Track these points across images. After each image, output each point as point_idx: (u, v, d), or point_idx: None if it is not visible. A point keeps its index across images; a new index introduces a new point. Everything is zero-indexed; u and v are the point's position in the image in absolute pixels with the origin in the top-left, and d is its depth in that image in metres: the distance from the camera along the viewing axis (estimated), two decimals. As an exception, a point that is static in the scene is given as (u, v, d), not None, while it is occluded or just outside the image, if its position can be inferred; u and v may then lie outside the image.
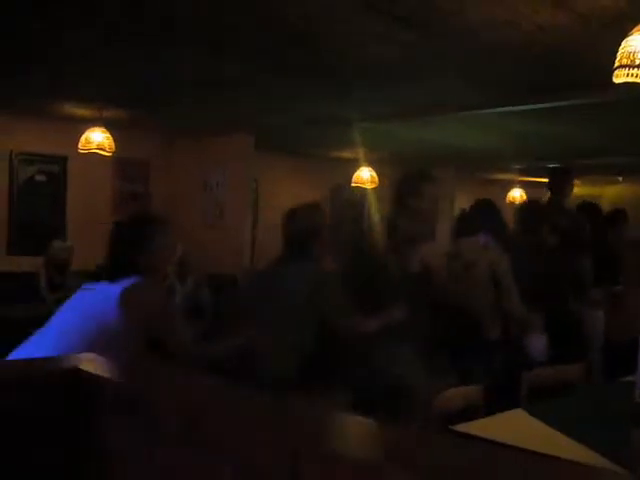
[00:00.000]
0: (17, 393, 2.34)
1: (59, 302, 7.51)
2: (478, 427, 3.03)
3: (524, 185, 12.66)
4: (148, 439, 2.05)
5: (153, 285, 3.46)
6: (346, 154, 9.98)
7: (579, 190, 13.75)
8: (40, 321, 7.03)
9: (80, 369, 2.46)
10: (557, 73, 5.56)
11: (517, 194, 12.28)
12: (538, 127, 7.99)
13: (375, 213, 7.79)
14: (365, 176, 9.32)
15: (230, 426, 1.76)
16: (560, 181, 6.28)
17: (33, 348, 3.46)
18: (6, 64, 5.96)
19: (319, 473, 1.50)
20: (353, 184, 9.38)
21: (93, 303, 3.47)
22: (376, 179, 9.30)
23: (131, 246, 3.47)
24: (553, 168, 7.04)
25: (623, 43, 3.43)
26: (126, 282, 3.30)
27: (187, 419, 1.85)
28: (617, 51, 3.43)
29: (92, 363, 2.57)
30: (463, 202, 12.46)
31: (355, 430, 1.73)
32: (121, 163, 9.14)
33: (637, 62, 3.36)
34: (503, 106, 6.69)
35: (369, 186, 9.25)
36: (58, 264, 7.94)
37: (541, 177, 13.23)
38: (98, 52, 5.47)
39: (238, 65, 5.68)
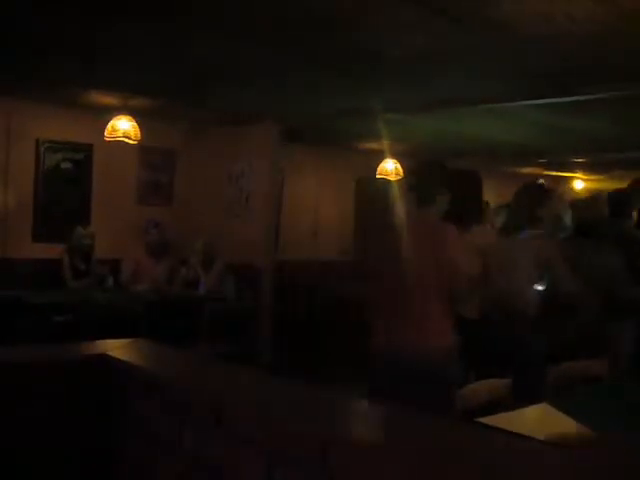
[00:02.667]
0: (49, 377, 2.36)
1: (83, 289, 7.62)
2: (503, 420, 3.02)
3: (549, 179, 12.59)
4: (178, 425, 2.06)
5: None
6: (371, 145, 9.96)
7: (605, 185, 13.71)
8: (64, 308, 7.09)
9: (109, 355, 2.48)
10: (588, 66, 5.52)
11: (542, 188, 12.21)
12: (567, 120, 7.93)
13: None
14: (390, 168, 9.30)
15: (261, 415, 1.76)
16: None
17: None
18: (33, 53, 5.98)
19: (349, 463, 1.50)
20: (378, 175, 9.37)
21: None
22: (400, 171, 9.28)
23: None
24: None
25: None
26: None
27: (218, 406, 1.85)
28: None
29: (121, 349, 2.58)
30: (487, 195, 12.43)
31: (384, 420, 1.73)
32: (146, 152, 9.16)
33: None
34: (532, 99, 6.64)
35: (393, 178, 9.23)
36: (81, 251, 8.00)
37: (566, 171, 13.18)
38: (125, 40, 5.48)
39: (267, 55, 5.68)
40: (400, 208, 4.41)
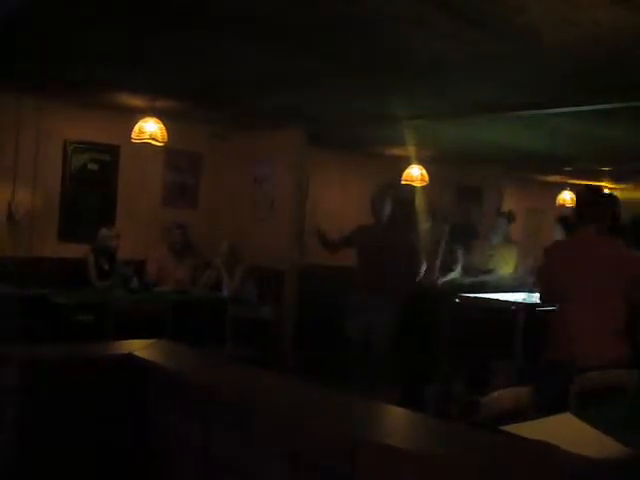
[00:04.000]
0: (74, 375, 2.38)
1: (108, 289, 7.68)
2: (527, 429, 3.00)
3: (575, 188, 12.50)
4: (202, 425, 2.06)
5: None
6: (397, 151, 9.94)
7: (632, 194, 13.62)
8: (89, 307, 7.14)
9: (134, 355, 2.50)
10: (615, 73, 5.48)
11: (567, 197, 12.14)
12: (593, 128, 7.88)
13: (424, 211, 7.80)
14: (415, 174, 9.28)
15: (285, 415, 1.76)
16: None
17: None
18: (62, 55, 6.03)
19: (378, 467, 1.50)
20: (403, 181, 9.35)
21: None
22: (426, 177, 9.27)
23: None
24: None
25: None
26: None
27: (242, 408, 1.86)
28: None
29: (146, 349, 2.60)
30: (511, 203, 12.39)
31: (413, 425, 1.73)
32: (172, 154, 9.20)
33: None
34: (559, 106, 6.60)
35: (418, 184, 9.21)
36: (106, 251, 8.05)
37: (592, 180, 13.08)
38: (153, 43, 5.51)
39: (294, 60, 5.69)
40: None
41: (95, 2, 4.56)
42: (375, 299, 6.86)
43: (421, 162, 9.40)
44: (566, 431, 3.07)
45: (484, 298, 7.41)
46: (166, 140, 7.67)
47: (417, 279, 7.29)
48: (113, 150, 8.82)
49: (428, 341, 7.29)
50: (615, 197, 5.20)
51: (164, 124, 7.65)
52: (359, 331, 6.93)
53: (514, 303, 7.14)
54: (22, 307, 6.87)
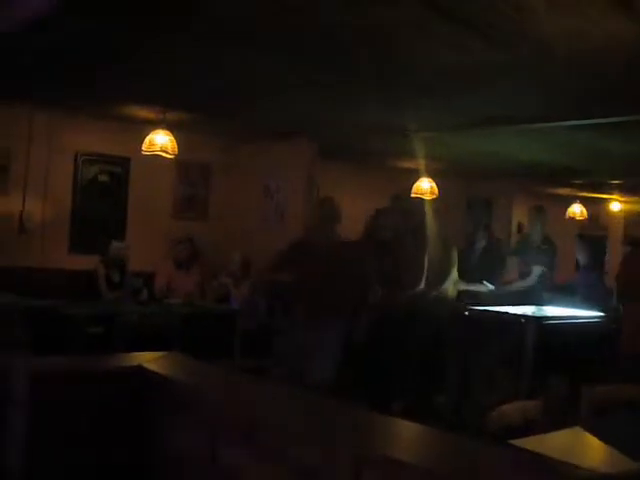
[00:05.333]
0: (84, 387, 2.39)
1: (117, 301, 7.69)
2: (535, 443, 2.99)
3: (584, 201, 12.48)
4: (210, 439, 2.07)
5: None
6: (406, 164, 9.94)
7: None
8: (99, 318, 7.15)
9: (144, 367, 2.51)
10: (626, 86, 5.47)
11: (577, 210, 12.10)
12: (604, 141, 7.87)
13: (433, 225, 7.77)
14: (425, 187, 9.27)
15: (293, 429, 1.77)
16: None
17: None
18: (72, 68, 6.06)
19: (381, 478, 1.50)
20: (412, 194, 9.33)
21: None
22: (436, 190, 9.25)
23: None
24: None
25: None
26: None
27: (250, 421, 1.86)
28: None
29: (155, 361, 2.60)
30: (520, 216, 12.35)
31: (417, 437, 1.73)
32: (183, 166, 9.23)
33: None
34: (569, 119, 6.60)
35: (428, 197, 9.20)
36: (116, 263, 8.08)
37: (602, 193, 13.06)
38: (163, 55, 5.54)
39: (303, 72, 5.71)
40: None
41: (104, 15, 4.59)
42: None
43: (431, 175, 9.38)
44: (575, 445, 3.07)
45: (493, 311, 7.38)
46: (176, 152, 7.69)
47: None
48: (123, 162, 8.86)
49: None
50: None
51: (174, 136, 7.68)
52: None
53: (523, 316, 7.12)
54: (32, 318, 6.89)
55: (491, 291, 7.85)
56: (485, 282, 7.85)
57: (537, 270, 8.00)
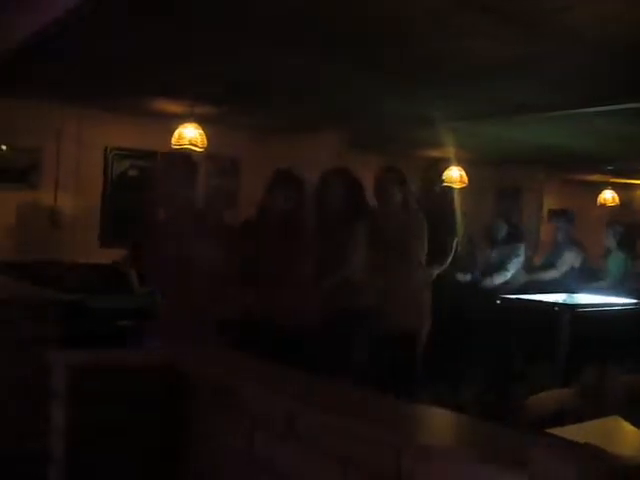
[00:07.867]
0: (118, 380, 2.40)
1: (148, 295, 7.72)
2: (572, 432, 2.97)
3: (616, 187, 12.34)
4: (248, 430, 2.07)
5: None
6: (435, 153, 9.90)
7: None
8: (129, 312, 7.18)
9: (179, 360, 2.51)
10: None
11: (609, 196, 11.98)
12: (635, 127, 7.78)
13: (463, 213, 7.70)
14: (455, 175, 9.23)
15: (333, 422, 1.76)
16: None
17: None
18: (103, 62, 6.09)
19: (424, 470, 1.49)
20: (442, 183, 9.30)
21: None
22: (465, 179, 9.21)
23: None
24: None
25: None
26: None
27: (290, 413, 1.86)
28: None
29: (190, 355, 2.61)
30: (552, 203, 12.24)
31: (458, 429, 1.72)
32: (211, 159, 9.24)
33: None
34: (600, 105, 6.54)
35: (458, 185, 9.16)
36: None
37: (634, 179, 12.92)
38: (191, 49, 5.54)
39: (332, 63, 5.70)
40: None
41: (134, 9, 4.60)
42: None
43: (460, 164, 9.34)
44: (614, 433, 3.04)
45: (525, 299, 7.33)
46: (206, 145, 7.70)
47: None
48: (153, 156, 8.89)
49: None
50: None
51: (203, 129, 7.68)
52: None
53: (556, 304, 7.07)
54: (63, 312, 6.94)
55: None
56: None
57: (569, 256, 7.98)
